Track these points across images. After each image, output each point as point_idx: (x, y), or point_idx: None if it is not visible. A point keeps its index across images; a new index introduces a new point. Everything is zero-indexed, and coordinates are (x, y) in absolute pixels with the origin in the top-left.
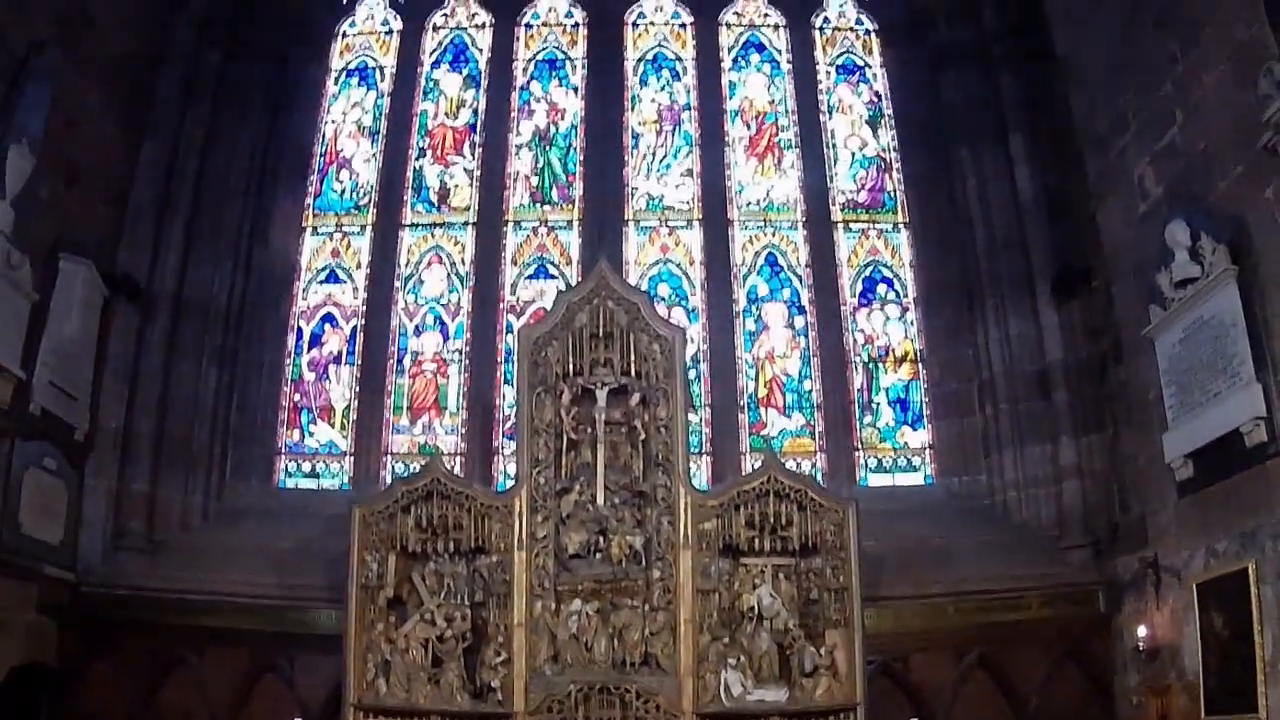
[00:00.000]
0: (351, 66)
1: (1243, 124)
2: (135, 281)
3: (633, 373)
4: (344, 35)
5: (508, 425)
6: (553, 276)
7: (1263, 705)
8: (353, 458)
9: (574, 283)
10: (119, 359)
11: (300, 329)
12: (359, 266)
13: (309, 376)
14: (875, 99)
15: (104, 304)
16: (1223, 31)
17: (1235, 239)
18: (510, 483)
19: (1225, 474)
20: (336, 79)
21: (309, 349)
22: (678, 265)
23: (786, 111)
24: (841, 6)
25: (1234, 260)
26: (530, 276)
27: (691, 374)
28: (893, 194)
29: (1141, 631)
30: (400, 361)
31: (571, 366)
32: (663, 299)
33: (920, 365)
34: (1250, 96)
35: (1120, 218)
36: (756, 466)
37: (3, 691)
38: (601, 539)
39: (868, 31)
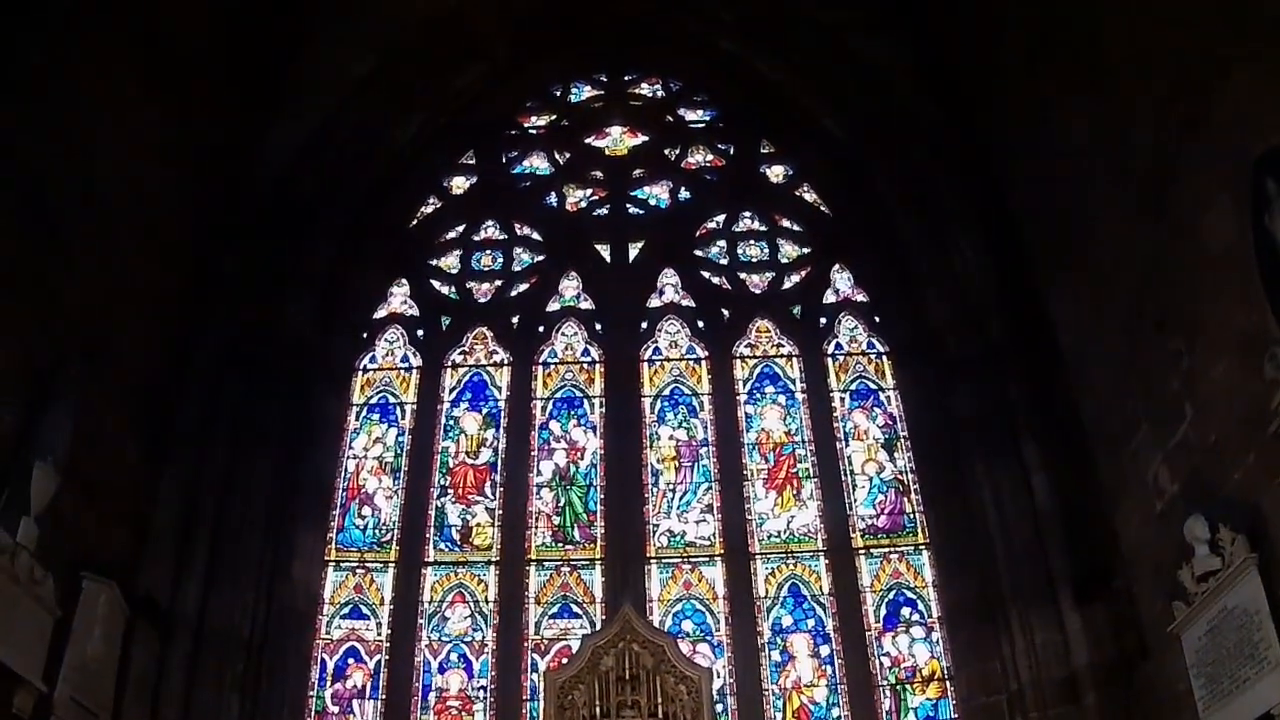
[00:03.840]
0: (373, 402)
1: (1252, 412)
2: (157, 603)
3: (660, 714)
4: (364, 370)
5: None
6: (576, 615)
7: None
8: None
9: (598, 620)
10: (141, 679)
11: (324, 661)
12: (382, 603)
13: (333, 709)
14: (890, 422)
15: (127, 625)
16: (1225, 322)
17: (1253, 526)
18: None
19: None
20: (358, 414)
21: (332, 682)
22: (701, 601)
23: (804, 441)
24: (853, 331)
25: (1253, 547)
26: (554, 615)
27: (719, 708)
28: (912, 515)
29: None
30: (425, 698)
31: (598, 709)
32: (687, 634)
33: (948, 683)
34: (1257, 383)
35: (1137, 518)
36: None
37: None
38: None
39: (879, 354)
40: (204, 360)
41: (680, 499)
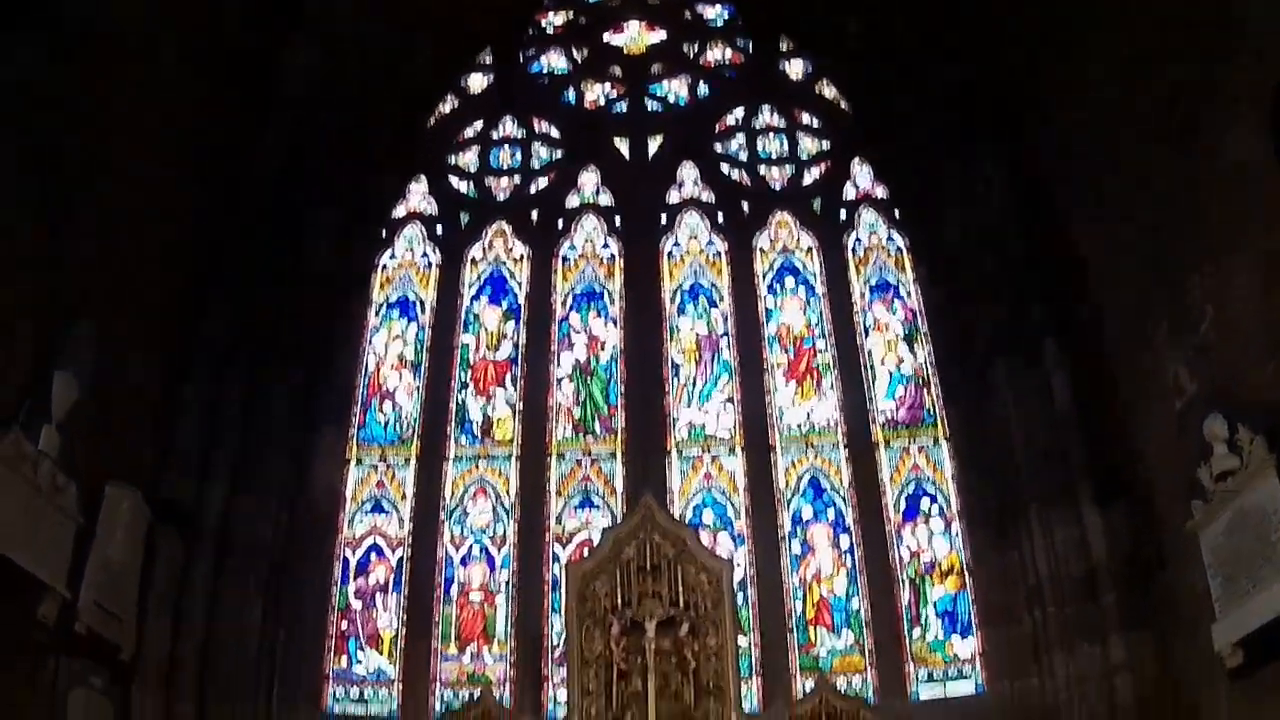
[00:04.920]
0: (392, 299)
1: (1272, 317)
2: (181, 509)
3: (681, 604)
4: (384, 268)
5: (557, 653)
6: (597, 507)
7: None
8: (401, 685)
9: (619, 512)
10: (164, 585)
11: (346, 559)
12: (404, 498)
13: (356, 605)
14: (910, 315)
15: (150, 530)
16: (1247, 235)
17: (1272, 427)
18: (561, 710)
19: (1276, 657)
20: (378, 311)
21: (355, 578)
22: (721, 492)
23: (824, 334)
24: (873, 225)
25: (1271, 448)
26: (576, 506)
27: (739, 599)
28: (932, 409)
29: None
30: (447, 591)
31: (620, 599)
32: (707, 526)
33: (967, 576)
34: (1277, 292)
35: (1157, 417)
36: (807, 686)
37: None
38: None
39: (899, 249)
40: (227, 269)
41: (700, 391)
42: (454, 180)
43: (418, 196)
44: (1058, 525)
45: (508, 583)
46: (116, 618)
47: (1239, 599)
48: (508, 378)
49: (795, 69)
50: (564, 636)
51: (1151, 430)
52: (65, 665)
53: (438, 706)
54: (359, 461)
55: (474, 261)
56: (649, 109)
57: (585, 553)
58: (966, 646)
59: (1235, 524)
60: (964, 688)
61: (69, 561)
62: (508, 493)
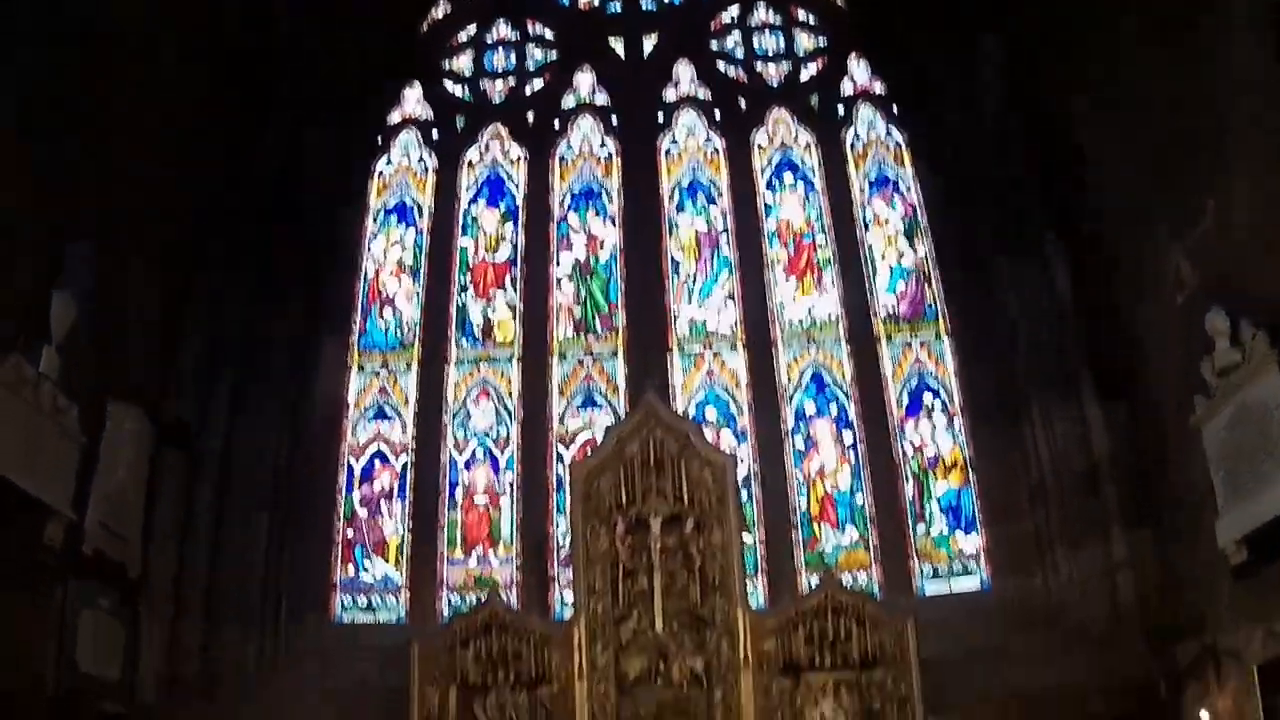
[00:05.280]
0: (390, 205)
1: (1275, 209)
2: (185, 427)
3: (685, 500)
4: (380, 175)
5: (562, 554)
6: (600, 406)
7: None
8: (408, 591)
9: (622, 411)
10: (169, 504)
11: (350, 467)
12: (406, 403)
13: (361, 512)
14: (910, 210)
15: (153, 448)
16: (1250, 134)
17: (1275, 322)
18: (568, 611)
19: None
20: (375, 217)
21: (360, 485)
22: (724, 388)
23: (823, 229)
24: (871, 121)
25: (1273, 343)
26: (578, 406)
27: (743, 495)
28: (933, 304)
29: (1204, 716)
30: (452, 495)
31: (624, 497)
32: (710, 422)
33: (970, 471)
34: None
35: (1158, 311)
36: (812, 582)
37: None
38: (662, 664)
39: (898, 144)
40: (227, 182)
41: (700, 288)
42: (449, 85)
43: (413, 102)
44: (1059, 420)
45: (512, 485)
46: (122, 538)
47: (1242, 495)
48: (507, 279)
49: None
50: (569, 537)
51: (1153, 325)
52: (73, 588)
53: (445, 611)
54: (361, 369)
55: (471, 165)
56: (643, 7)
57: (589, 452)
58: (971, 543)
59: (1237, 419)
60: (968, 584)
61: (73, 484)
62: (510, 394)
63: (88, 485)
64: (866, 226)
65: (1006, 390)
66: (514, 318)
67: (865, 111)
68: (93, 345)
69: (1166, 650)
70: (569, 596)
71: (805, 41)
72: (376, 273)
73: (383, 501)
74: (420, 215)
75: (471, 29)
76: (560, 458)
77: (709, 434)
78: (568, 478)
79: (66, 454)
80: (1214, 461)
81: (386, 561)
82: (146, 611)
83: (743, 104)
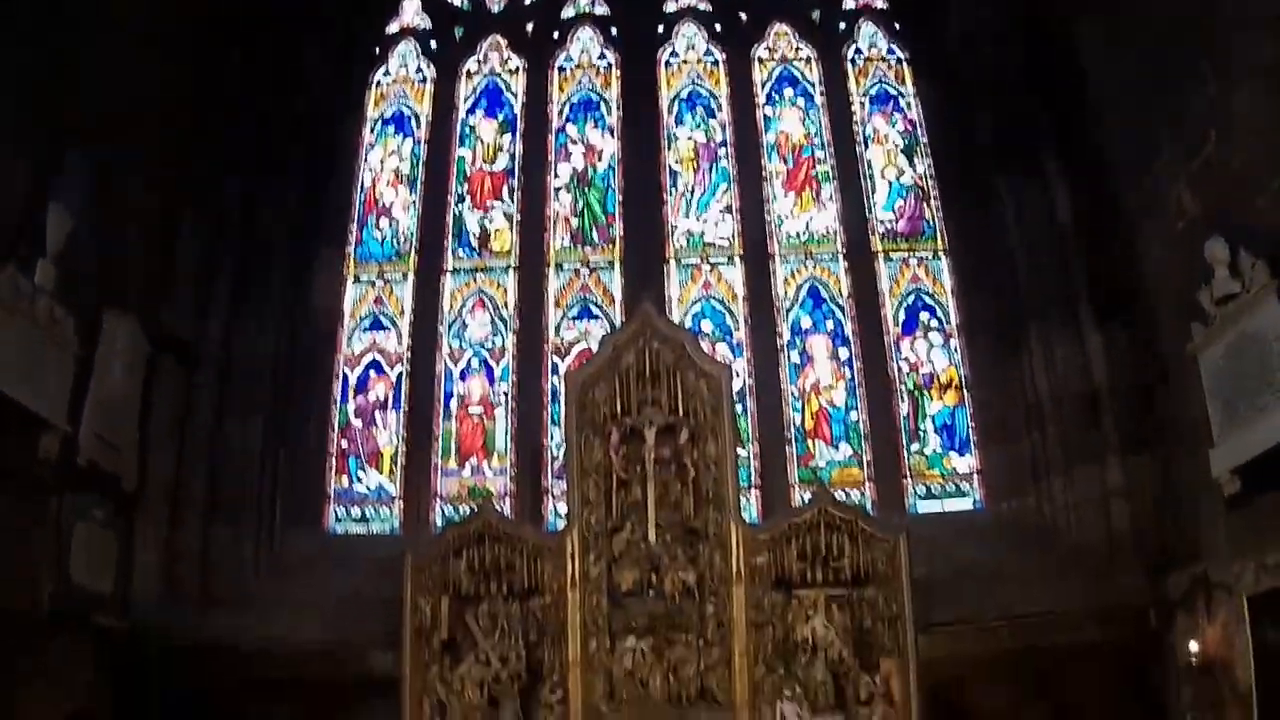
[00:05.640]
0: (387, 115)
1: (1277, 139)
2: (181, 339)
3: (680, 411)
4: (378, 84)
5: (556, 465)
6: (596, 317)
7: None
8: (402, 502)
9: (618, 322)
10: (165, 413)
11: (346, 376)
12: (402, 313)
13: (356, 423)
14: (910, 127)
15: (149, 359)
16: (1252, 50)
17: (1274, 252)
18: (561, 522)
19: (1274, 487)
20: (373, 128)
21: (355, 396)
22: (720, 301)
23: (823, 144)
24: (872, 37)
25: (1273, 273)
26: (574, 317)
27: (738, 408)
28: (932, 222)
29: (1193, 647)
30: (447, 406)
31: (619, 407)
32: (706, 335)
33: (966, 391)
34: None
35: (1158, 239)
36: (806, 497)
37: None
38: (654, 576)
39: (899, 61)
40: (224, 95)
41: (698, 200)
42: None
43: (411, 12)
44: (1058, 344)
45: (507, 396)
46: (118, 449)
47: (1238, 425)
48: (505, 190)
49: None
50: (564, 449)
51: (1153, 252)
52: (68, 501)
53: (439, 522)
54: (357, 279)
55: (469, 75)
56: None
57: (584, 362)
58: (965, 463)
59: (1235, 349)
60: (962, 505)
61: (69, 395)
62: (506, 305)
63: (83, 396)
64: (866, 143)
65: (1004, 312)
66: (511, 228)
67: (867, 27)
68: (89, 257)
69: (1159, 579)
70: (563, 508)
71: None
72: (374, 183)
73: (377, 412)
74: (418, 125)
75: None
76: (556, 369)
77: (705, 346)
78: (563, 388)
79: (62, 366)
80: (1210, 390)
81: (380, 473)
82: (141, 522)
83: (743, 17)
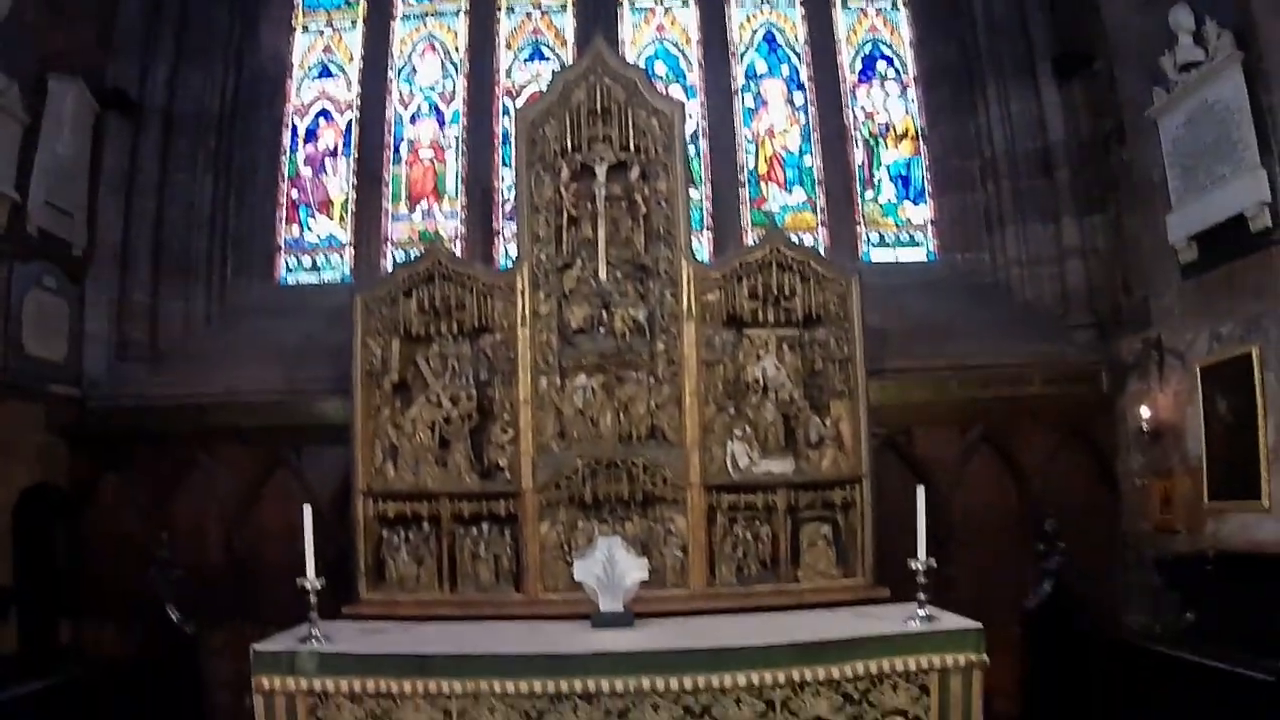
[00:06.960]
0: None
1: None
2: (126, 95)
3: (631, 148)
4: None
5: (508, 208)
6: (547, 59)
7: (1265, 493)
8: (353, 249)
9: (569, 63)
10: (114, 173)
11: (295, 126)
12: (351, 60)
13: (306, 172)
14: None
15: (96, 120)
16: None
17: (1240, 24)
18: (512, 263)
19: (1229, 257)
20: None
21: (304, 145)
22: (674, 44)
23: None
24: None
25: (1239, 46)
26: (526, 60)
27: (691, 151)
28: None
29: (1145, 413)
30: (397, 150)
31: (570, 143)
32: (660, 77)
33: (921, 142)
34: None
35: (1122, 1)
36: (758, 240)
37: (15, 515)
38: (604, 313)
39: None
40: None
41: None
42: None
43: None
44: (1015, 98)
45: (458, 139)
46: (68, 214)
47: (1195, 193)
48: None
49: None
50: (514, 189)
51: (1117, 10)
52: (19, 270)
53: (389, 268)
54: (305, 29)
55: None
56: None
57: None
58: (919, 213)
59: (1196, 117)
60: (916, 255)
61: (16, 163)
62: (456, 48)
63: (30, 165)
64: None
65: (962, 64)
66: None
67: None
68: (31, 22)
69: (1112, 342)
70: (513, 250)
71: None
72: None
73: (327, 160)
74: None
75: None
76: (507, 111)
77: (658, 88)
78: (513, 126)
79: (8, 135)
80: (1169, 155)
81: (331, 220)
82: (92, 285)
83: None
